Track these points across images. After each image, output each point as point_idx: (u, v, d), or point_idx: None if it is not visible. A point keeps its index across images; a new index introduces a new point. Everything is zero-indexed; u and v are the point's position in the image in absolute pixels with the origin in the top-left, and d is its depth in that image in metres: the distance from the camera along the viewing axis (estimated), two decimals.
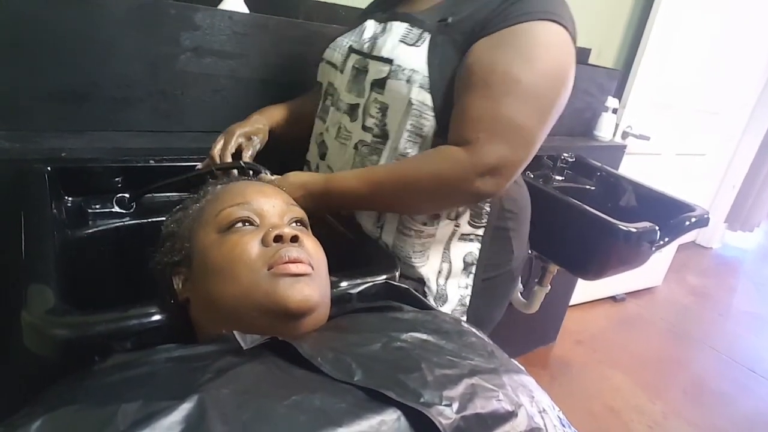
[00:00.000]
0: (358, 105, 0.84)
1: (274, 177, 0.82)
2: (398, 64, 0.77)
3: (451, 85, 0.76)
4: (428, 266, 0.86)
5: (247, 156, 0.88)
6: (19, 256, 0.63)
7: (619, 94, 2.02)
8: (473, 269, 0.89)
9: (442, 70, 0.76)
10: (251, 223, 0.59)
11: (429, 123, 0.78)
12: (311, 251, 0.58)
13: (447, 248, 0.86)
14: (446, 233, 0.85)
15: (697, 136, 2.47)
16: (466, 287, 0.90)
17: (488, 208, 0.87)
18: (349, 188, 0.78)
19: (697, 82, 2.25)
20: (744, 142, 3.25)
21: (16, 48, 0.90)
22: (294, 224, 0.63)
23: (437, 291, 0.87)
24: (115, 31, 0.97)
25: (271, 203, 0.62)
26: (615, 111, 1.94)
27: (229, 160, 0.86)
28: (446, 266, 0.87)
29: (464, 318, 0.90)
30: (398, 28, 0.80)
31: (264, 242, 0.56)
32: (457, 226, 0.86)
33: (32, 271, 0.60)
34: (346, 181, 0.79)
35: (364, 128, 0.83)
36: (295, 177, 0.81)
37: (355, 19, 0.94)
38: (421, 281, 0.86)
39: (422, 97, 0.76)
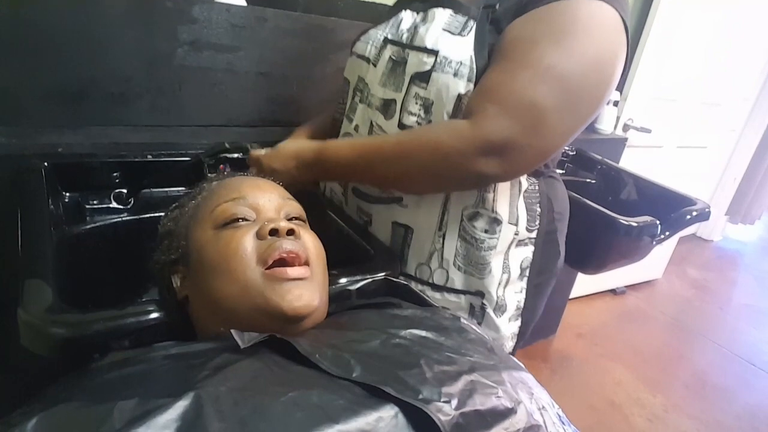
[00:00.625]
0: (393, 101, 0.77)
1: (263, 150, 0.80)
2: (444, 56, 0.70)
3: None
4: (490, 278, 0.81)
5: None
6: (15, 253, 0.63)
7: (620, 87, 2.01)
8: (527, 272, 0.85)
9: (486, 58, 0.69)
10: (247, 219, 0.59)
11: None
12: (308, 245, 0.58)
13: (506, 257, 0.81)
14: (507, 241, 0.80)
15: (698, 129, 2.46)
16: (521, 291, 0.86)
17: (539, 209, 0.82)
18: (343, 156, 0.73)
19: (698, 74, 2.24)
20: (745, 135, 3.24)
21: (14, 45, 0.89)
22: (291, 219, 0.63)
23: (497, 302, 0.82)
24: (112, 26, 0.96)
25: (266, 197, 0.62)
26: (616, 104, 1.93)
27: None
28: (506, 276, 0.82)
29: (519, 321, 0.87)
30: (441, 15, 0.73)
31: (259, 236, 0.55)
32: (516, 234, 0.80)
33: (29, 268, 0.60)
34: (339, 149, 0.75)
35: (402, 126, 0.76)
36: (286, 147, 0.77)
37: (388, 10, 0.88)
38: (479, 294, 0.82)
39: (470, 92, 0.70)
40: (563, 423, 0.50)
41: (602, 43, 0.65)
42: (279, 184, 0.68)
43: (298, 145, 0.78)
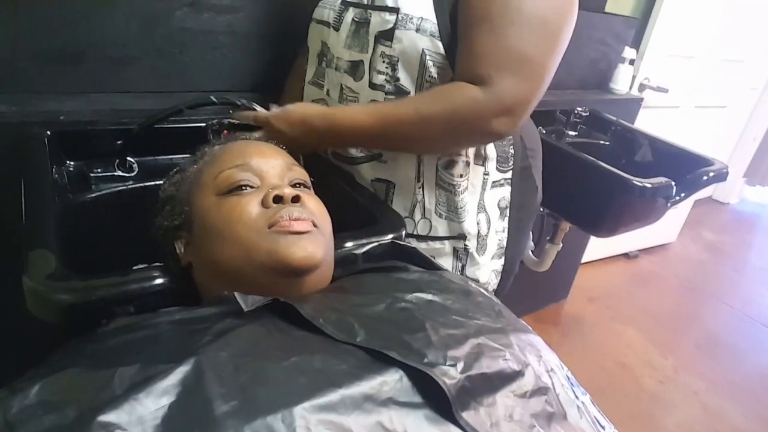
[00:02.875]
0: (361, 62, 0.79)
1: (273, 107, 0.79)
2: (406, 13, 0.73)
3: (456, 27, 0.72)
4: (468, 221, 0.85)
5: None
6: (20, 222, 0.62)
7: (636, 44, 1.93)
8: (507, 212, 0.90)
9: (446, 12, 0.72)
10: (251, 185, 0.57)
11: (445, 71, 0.75)
12: (314, 211, 0.57)
13: (482, 198, 0.86)
14: (478, 183, 0.85)
15: (717, 88, 2.38)
16: (503, 230, 0.91)
17: (512, 151, 0.87)
18: (358, 123, 0.75)
19: (719, 29, 2.14)
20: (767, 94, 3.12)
21: (6, 8, 0.87)
22: (295, 186, 0.62)
23: (478, 242, 0.87)
24: None
25: (270, 164, 0.60)
26: (632, 62, 1.86)
27: None
28: (483, 216, 0.87)
29: (502, 260, 0.92)
30: None
31: (264, 203, 0.54)
32: (487, 174, 0.85)
33: (33, 236, 0.60)
34: (354, 115, 0.76)
35: (372, 86, 0.79)
36: (294, 112, 0.77)
37: None
38: (461, 236, 0.86)
39: (435, 46, 0.73)
40: (572, 385, 0.49)
41: None
42: (283, 148, 0.67)
43: (305, 109, 0.78)
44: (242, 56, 1.09)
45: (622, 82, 1.87)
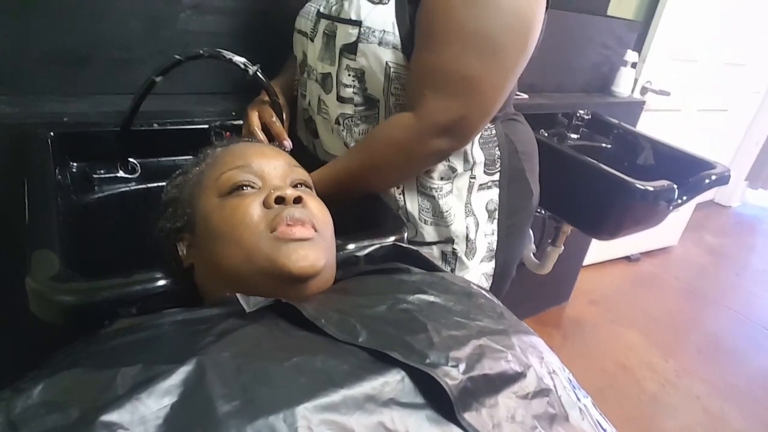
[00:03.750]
0: (330, 74, 0.79)
1: None
2: (368, 26, 0.72)
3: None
4: (455, 224, 0.84)
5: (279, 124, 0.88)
6: (23, 223, 0.63)
7: (638, 48, 1.94)
8: (496, 215, 0.88)
9: (407, 26, 0.71)
10: (252, 186, 0.58)
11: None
12: (315, 212, 0.57)
13: (468, 201, 0.85)
14: (464, 187, 0.84)
15: (720, 91, 2.37)
16: (493, 233, 0.89)
17: (498, 152, 0.85)
18: (323, 194, 0.72)
19: (722, 33, 2.14)
20: None
21: (11, 9, 0.87)
22: (297, 186, 0.62)
23: (467, 246, 0.86)
24: None
25: (272, 165, 0.61)
26: (634, 65, 1.87)
27: (262, 137, 0.86)
28: (471, 220, 0.86)
29: (493, 263, 0.91)
30: None
31: (266, 204, 0.55)
32: (473, 178, 0.84)
33: (36, 237, 0.60)
34: (317, 189, 0.74)
35: (340, 99, 0.79)
36: None
37: None
38: (449, 240, 0.85)
39: (397, 58, 0.73)
40: (573, 387, 0.49)
41: None
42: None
43: None
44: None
45: (624, 85, 1.87)
